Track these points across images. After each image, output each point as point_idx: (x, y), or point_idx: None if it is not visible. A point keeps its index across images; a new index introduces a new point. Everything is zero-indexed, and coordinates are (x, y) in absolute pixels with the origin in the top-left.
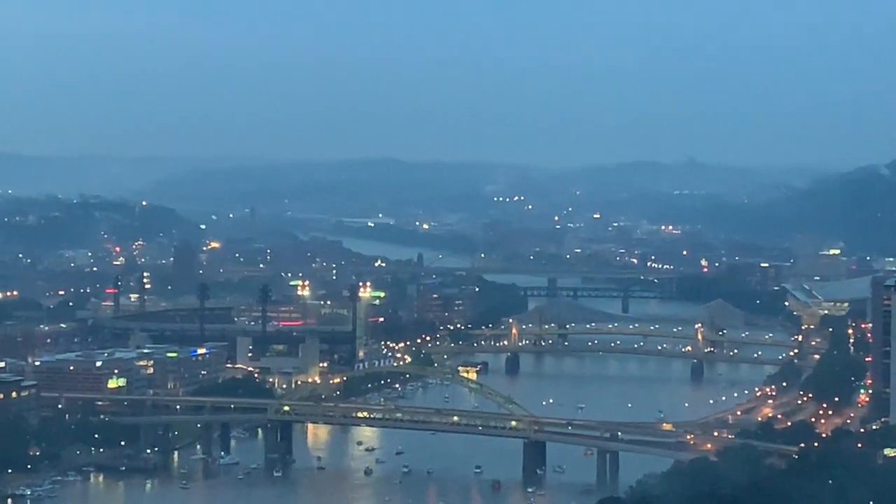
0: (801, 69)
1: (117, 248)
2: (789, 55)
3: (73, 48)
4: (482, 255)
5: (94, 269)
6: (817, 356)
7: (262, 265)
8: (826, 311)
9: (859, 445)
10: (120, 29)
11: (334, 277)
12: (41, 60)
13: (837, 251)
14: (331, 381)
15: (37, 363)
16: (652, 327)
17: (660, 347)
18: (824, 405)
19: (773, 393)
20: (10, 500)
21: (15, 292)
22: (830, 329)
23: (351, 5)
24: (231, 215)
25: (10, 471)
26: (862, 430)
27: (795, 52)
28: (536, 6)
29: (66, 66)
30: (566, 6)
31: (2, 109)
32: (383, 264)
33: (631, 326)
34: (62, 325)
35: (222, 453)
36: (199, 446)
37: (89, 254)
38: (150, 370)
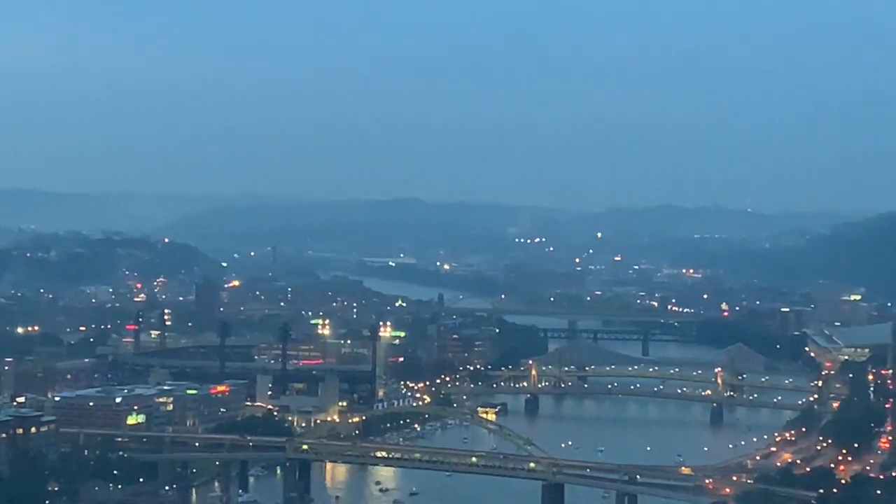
0: (822, 116)
1: (138, 285)
2: (811, 101)
3: (98, 85)
4: (503, 297)
5: (116, 305)
6: (837, 402)
7: (282, 303)
8: (846, 357)
9: (878, 492)
10: (145, 66)
11: (355, 316)
12: (65, 97)
13: (858, 297)
14: (350, 421)
15: (57, 399)
16: (672, 371)
17: (679, 391)
18: (844, 451)
19: (793, 438)
20: None
21: (36, 327)
22: (851, 375)
23: (376, 49)
24: (252, 253)
25: None
26: (882, 476)
27: (817, 98)
28: (558, 50)
29: (91, 103)
30: (590, 51)
31: (26, 146)
32: (404, 304)
33: (651, 369)
34: (83, 361)
35: (240, 491)
36: (217, 484)
37: (110, 290)
38: (170, 407)
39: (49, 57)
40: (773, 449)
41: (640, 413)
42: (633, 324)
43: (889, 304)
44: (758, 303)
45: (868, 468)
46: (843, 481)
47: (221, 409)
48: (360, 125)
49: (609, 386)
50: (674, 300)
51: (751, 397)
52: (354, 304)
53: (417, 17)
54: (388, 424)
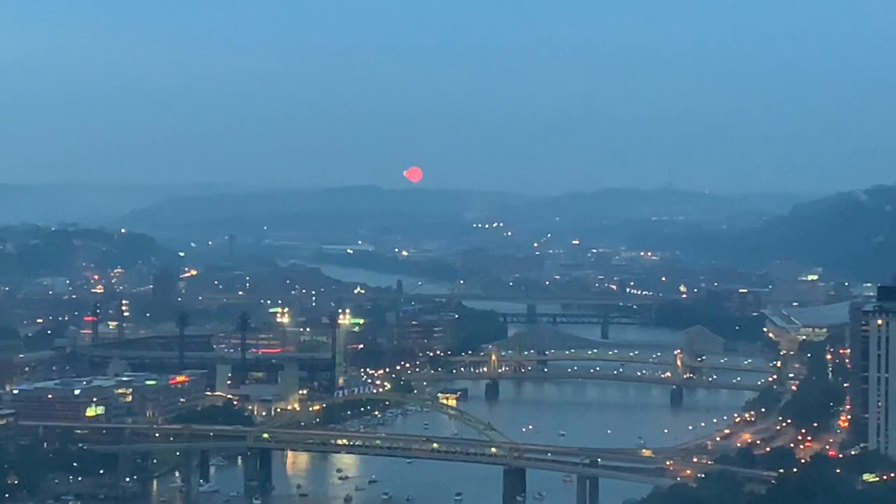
0: (779, 97)
1: (96, 276)
2: (767, 83)
3: (51, 76)
4: (462, 282)
5: (73, 296)
6: (796, 382)
7: (241, 292)
8: (805, 337)
9: (838, 471)
10: (99, 55)
11: (314, 304)
12: (18, 89)
13: (816, 277)
14: (310, 409)
15: (15, 391)
16: (631, 353)
17: (639, 373)
18: (803, 431)
19: (753, 419)
20: None
21: None
22: (809, 355)
23: (330, 36)
24: (210, 243)
25: None
26: (841, 455)
27: (773, 81)
28: (513, 37)
29: (44, 94)
30: (545, 37)
31: None
32: (363, 291)
33: (610, 353)
34: (41, 354)
35: (201, 481)
36: (178, 474)
37: (68, 282)
38: (129, 398)
39: (5, 47)
40: (733, 430)
41: (600, 396)
42: (593, 307)
43: (846, 284)
44: (716, 284)
45: (827, 447)
46: (802, 461)
47: (181, 400)
48: (316, 113)
49: (569, 370)
50: (632, 283)
51: (710, 379)
52: (313, 292)
53: (369, 2)
54: (349, 412)
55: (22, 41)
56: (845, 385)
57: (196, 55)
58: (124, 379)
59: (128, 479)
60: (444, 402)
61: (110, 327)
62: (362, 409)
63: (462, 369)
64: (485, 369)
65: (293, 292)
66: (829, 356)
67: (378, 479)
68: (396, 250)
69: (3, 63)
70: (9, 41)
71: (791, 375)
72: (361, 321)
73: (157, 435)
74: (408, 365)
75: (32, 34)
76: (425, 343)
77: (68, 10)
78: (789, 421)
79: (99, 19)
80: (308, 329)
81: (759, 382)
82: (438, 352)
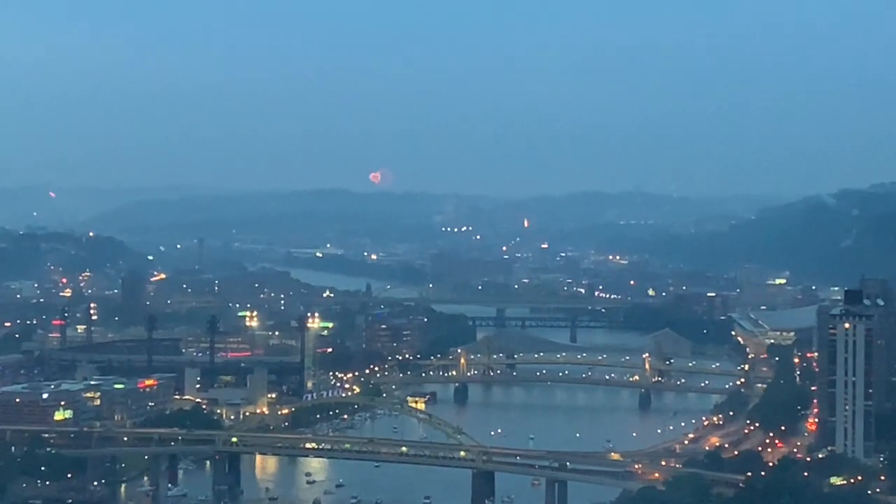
0: (745, 101)
1: (64, 280)
2: (734, 87)
3: (17, 79)
4: (430, 286)
5: (41, 300)
6: (764, 385)
7: (209, 296)
8: (772, 341)
9: (806, 474)
10: (62, 57)
11: (283, 308)
12: None
13: (783, 281)
14: (279, 412)
15: None
16: (600, 357)
17: (607, 377)
18: (771, 434)
19: (721, 422)
20: None
21: None
22: (777, 358)
23: (303, 34)
24: (178, 246)
25: None
26: (808, 458)
27: (741, 84)
28: (483, 39)
29: (12, 94)
30: (515, 39)
31: None
32: (332, 295)
33: (579, 356)
34: (8, 357)
35: (170, 485)
36: (146, 478)
37: (35, 285)
38: (97, 402)
39: None
40: (701, 433)
41: (568, 400)
42: (561, 311)
43: (814, 288)
44: (684, 288)
45: (795, 450)
46: (770, 464)
47: (150, 403)
48: (283, 116)
49: (538, 373)
50: (601, 286)
51: (678, 382)
52: (282, 296)
53: (339, 5)
54: (318, 415)
55: None
56: (813, 388)
57: (165, 59)
58: (93, 383)
59: (96, 483)
60: (413, 405)
61: (78, 331)
62: (331, 412)
63: (431, 373)
64: (454, 373)
65: (262, 296)
66: (796, 360)
67: (346, 482)
68: (365, 254)
69: None
70: None
71: (759, 379)
72: (330, 325)
73: (125, 439)
74: (377, 368)
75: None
76: (394, 346)
77: (33, 15)
78: (757, 424)
79: (64, 23)
80: (277, 333)
81: (727, 386)
82: (407, 355)
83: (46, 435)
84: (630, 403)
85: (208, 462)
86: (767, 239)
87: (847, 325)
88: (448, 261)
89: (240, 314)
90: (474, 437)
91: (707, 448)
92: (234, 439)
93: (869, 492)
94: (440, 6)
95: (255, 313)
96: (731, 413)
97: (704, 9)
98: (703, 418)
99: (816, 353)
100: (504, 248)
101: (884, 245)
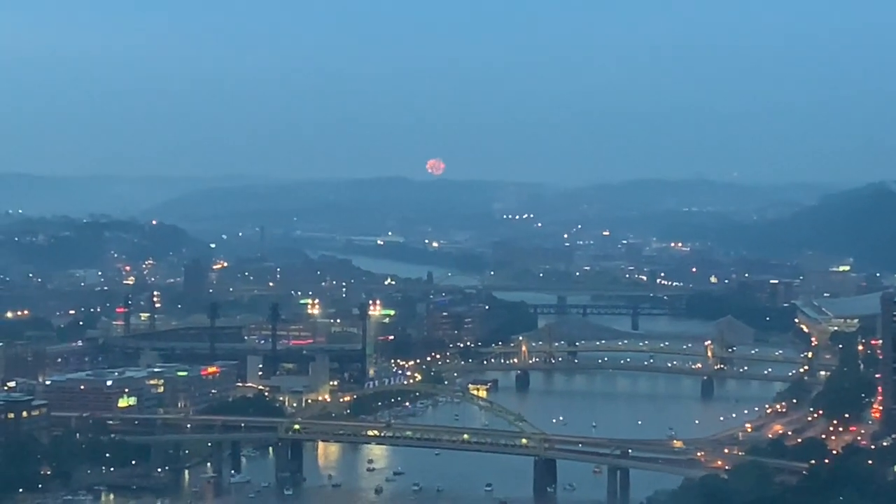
0: (809, 86)
1: (127, 268)
2: (798, 72)
3: (84, 70)
4: (492, 273)
5: (105, 288)
6: (827, 373)
7: (271, 284)
8: (836, 328)
9: (870, 462)
10: (131, 48)
11: (344, 296)
12: (51, 81)
13: (847, 268)
14: (341, 400)
15: (47, 382)
16: (662, 344)
17: (670, 364)
18: (834, 422)
19: (784, 410)
20: None
21: (26, 312)
22: (840, 346)
23: (360, 26)
24: (241, 234)
25: (20, 490)
26: (872, 446)
27: (804, 70)
28: (541, 28)
29: (77, 86)
30: (573, 27)
31: (13, 130)
32: (393, 282)
33: (641, 344)
34: (73, 345)
35: (233, 472)
36: (209, 465)
37: (99, 273)
38: (161, 389)
39: (37, 42)
40: (764, 421)
41: (630, 387)
42: (623, 298)
43: (878, 275)
44: (746, 275)
45: (859, 438)
46: (834, 452)
47: (212, 391)
48: (344, 104)
49: (599, 361)
50: (662, 274)
51: (741, 370)
52: (343, 284)
53: None
54: (379, 403)
55: (56, 39)
56: (877, 376)
57: (228, 50)
58: (156, 370)
59: (159, 470)
60: (475, 393)
61: (142, 318)
62: (392, 400)
63: (492, 360)
64: (515, 360)
65: (323, 283)
66: (860, 347)
67: (407, 470)
68: (426, 241)
69: (36, 59)
70: (44, 39)
71: (822, 366)
72: (392, 312)
73: (188, 426)
74: (438, 356)
75: (65, 32)
76: (455, 334)
77: (95, 7)
78: (821, 412)
79: (129, 11)
80: (338, 320)
81: (790, 373)
82: (469, 343)
83: (111, 422)
84: (692, 391)
85: (271, 449)
86: (830, 226)
87: None
88: (509, 248)
89: (301, 302)
90: (536, 424)
91: (770, 436)
92: (297, 426)
93: None
94: None
95: (316, 301)
96: (794, 401)
97: None
98: (766, 406)
99: (880, 341)
100: (565, 236)
101: None
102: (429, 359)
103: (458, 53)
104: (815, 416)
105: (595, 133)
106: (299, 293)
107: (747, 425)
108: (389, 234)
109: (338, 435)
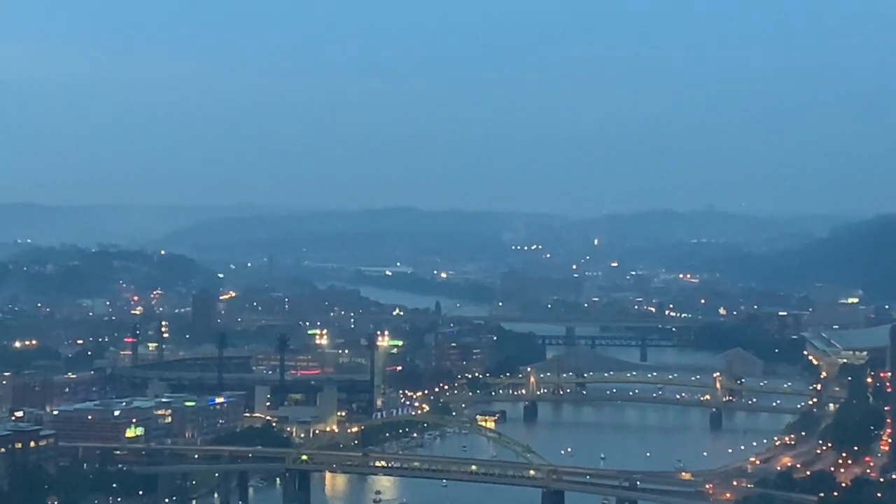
0: (819, 118)
1: (135, 297)
2: (807, 102)
3: (93, 99)
4: (500, 304)
5: (113, 318)
6: (836, 405)
7: (280, 314)
8: (845, 360)
9: (879, 495)
10: (140, 78)
11: (352, 326)
12: (61, 111)
13: (856, 300)
14: (349, 430)
15: (55, 412)
16: (670, 376)
17: (678, 396)
18: (843, 454)
19: (792, 442)
20: None
21: (34, 341)
22: (849, 378)
23: (372, 56)
24: (249, 264)
25: None
26: (881, 479)
27: (813, 100)
28: (550, 58)
29: (86, 117)
30: (581, 57)
31: (22, 160)
32: (401, 313)
33: (649, 375)
34: (81, 375)
35: (240, 502)
36: (217, 495)
37: (107, 303)
38: (169, 419)
39: (44, 70)
40: (773, 453)
41: (639, 419)
42: (631, 329)
43: (887, 307)
44: (755, 307)
45: (868, 471)
46: (843, 484)
47: (220, 421)
48: (354, 135)
49: (608, 392)
50: (671, 305)
51: (750, 401)
52: (352, 314)
53: (407, 26)
54: (387, 434)
55: (64, 65)
56: (886, 408)
57: (235, 77)
58: (164, 400)
59: (167, 501)
60: (483, 424)
61: (150, 348)
62: (400, 430)
63: (500, 391)
64: (523, 391)
65: (332, 314)
66: (869, 379)
67: (414, 501)
68: (435, 272)
69: (43, 87)
70: (52, 65)
71: (831, 399)
72: (400, 343)
73: (196, 456)
74: (446, 387)
75: (73, 56)
76: (464, 365)
77: (111, 32)
78: (829, 444)
79: (138, 39)
80: (346, 351)
81: (799, 405)
82: (477, 374)
83: (118, 452)
84: (701, 423)
85: (278, 480)
86: (840, 257)
87: None
88: (518, 279)
89: (310, 332)
90: (544, 455)
91: (779, 468)
92: (304, 457)
93: None
94: (502, 25)
95: (325, 331)
96: (803, 433)
97: (776, 21)
98: (775, 438)
99: (889, 373)
100: (574, 267)
101: None
102: (437, 390)
103: (468, 86)
104: (824, 448)
105: (605, 164)
106: (307, 323)
107: (756, 457)
108: (398, 264)
109: (345, 465)
